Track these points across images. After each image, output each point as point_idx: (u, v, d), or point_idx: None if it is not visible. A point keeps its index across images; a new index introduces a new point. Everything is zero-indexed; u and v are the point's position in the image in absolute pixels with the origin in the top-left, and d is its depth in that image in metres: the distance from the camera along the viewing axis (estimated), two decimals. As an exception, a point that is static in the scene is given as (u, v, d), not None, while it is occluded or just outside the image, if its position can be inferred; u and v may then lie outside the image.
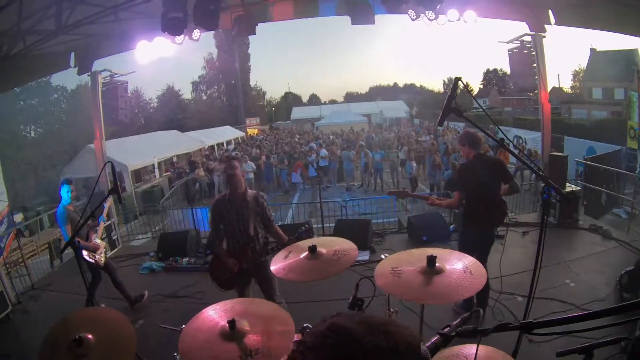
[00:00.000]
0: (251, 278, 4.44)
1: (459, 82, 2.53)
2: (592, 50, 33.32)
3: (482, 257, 4.47)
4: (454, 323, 1.74)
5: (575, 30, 8.61)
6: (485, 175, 4.38)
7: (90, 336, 2.16)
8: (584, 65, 36.36)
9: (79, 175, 18.24)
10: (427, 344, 1.60)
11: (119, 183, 3.08)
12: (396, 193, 4.95)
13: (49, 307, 6.13)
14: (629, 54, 25.00)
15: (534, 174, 6.43)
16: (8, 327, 5.72)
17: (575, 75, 42.34)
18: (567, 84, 44.28)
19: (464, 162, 4.87)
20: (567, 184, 7.94)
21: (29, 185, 23.96)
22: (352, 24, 7.93)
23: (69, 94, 31.08)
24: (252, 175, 16.81)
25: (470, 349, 2.14)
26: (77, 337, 2.11)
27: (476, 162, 4.52)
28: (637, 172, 12.23)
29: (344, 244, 2.96)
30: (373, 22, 7.96)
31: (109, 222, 8.27)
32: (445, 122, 25.58)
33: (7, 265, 6.88)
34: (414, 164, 15.35)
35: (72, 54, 8.43)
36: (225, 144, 30.61)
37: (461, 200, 4.51)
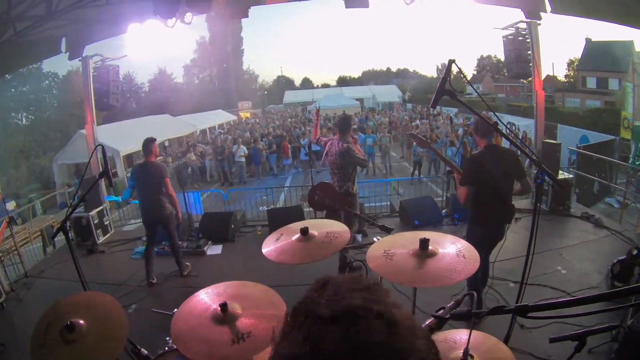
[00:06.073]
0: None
1: (453, 65, 2.50)
2: (588, 40, 33.33)
3: (488, 251, 4.35)
4: (448, 305, 1.74)
5: (571, 20, 8.59)
6: (496, 169, 3.92)
7: (82, 322, 2.15)
8: (578, 55, 36.38)
9: (72, 161, 18.17)
10: (421, 327, 1.59)
11: (109, 166, 3.05)
12: (418, 138, 4.59)
13: (42, 295, 6.09)
14: (624, 45, 24.99)
15: (527, 160, 6.35)
16: (2, 316, 5.68)
17: (570, 64, 42.37)
18: (561, 73, 44.37)
19: (473, 154, 4.43)
20: (560, 172, 7.95)
21: (21, 172, 23.79)
22: (346, 7, 7.81)
23: (60, 80, 30.72)
24: (243, 159, 16.89)
25: (459, 334, 2.14)
26: (68, 322, 2.09)
27: (487, 155, 4.07)
28: (630, 162, 12.35)
29: (336, 227, 2.95)
30: (367, 6, 7.86)
31: (101, 207, 8.25)
32: (438, 107, 25.72)
33: (0, 254, 6.84)
34: (420, 148, 15.46)
35: (63, 40, 8.33)
36: (217, 128, 30.45)
37: (467, 196, 4.05)
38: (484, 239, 4.16)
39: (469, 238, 4.25)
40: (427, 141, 4.62)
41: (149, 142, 5.82)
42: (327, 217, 5.76)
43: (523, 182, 4.07)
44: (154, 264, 6.16)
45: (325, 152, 5.76)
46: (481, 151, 4.17)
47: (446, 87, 2.37)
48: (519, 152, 3.28)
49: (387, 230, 4.70)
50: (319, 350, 0.62)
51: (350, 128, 5.75)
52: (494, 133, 4.09)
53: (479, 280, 4.45)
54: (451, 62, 2.53)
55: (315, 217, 6.29)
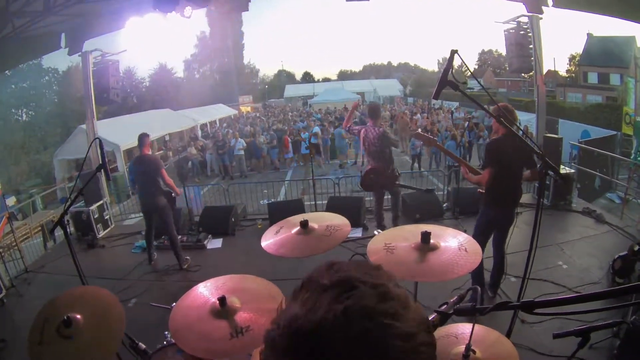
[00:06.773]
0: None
1: (455, 56, 2.46)
2: (589, 35, 33.13)
3: (502, 237, 4.58)
4: (451, 301, 1.71)
5: (573, 15, 8.53)
6: (512, 155, 4.17)
7: (79, 316, 2.13)
8: (580, 50, 36.10)
9: (72, 156, 18.06)
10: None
11: (107, 160, 3.03)
12: (423, 137, 4.64)
13: (43, 290, 6.09)
14: (626, 41, 24.87)
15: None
16: (3, 312, 5.68)
17: (571, 59, 42.02)
18: (562, 68, 43.96)
19: (493, 138, 4.63)
20: (561, 167, 7.91)
21: (22, 168, 23.75)
22: (347, 0, 7.79)
23: (60, 76, 30.59)
24: (242, 152, 16.92)
25: (461, 328, 2.12)
26: (65, 317, 2.08)
27: (505, 141, 4.23)
28: (631, 157, 12.29)
29: (336, 220, 2.92)
30: (368, -1, 7.84)
31: (101, 202, 8.24)
32: (439, 101, 25.59)
33: (1, 250, 6.84)
34: (418, 141, 15.41)
35: (63, 35, 8.31)
36: (218, 122, 30.41)
37: (492, 177, 4.25)
38: (495, 220, 4.49)
39: (480, 221, 4.59)
40: (433, 139, 4.70)
41: (142, 137, 6.31)
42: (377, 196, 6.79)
43: (533, 171, 4.36)
44: (152, 243, 6.62)
45: (361, 139, 6.14)
46: (501, 137, 4.36)
47: (448, 78, 2.33)
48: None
49: (430, 192, 5.06)
50: (312, 311, 0.66)
51: (381, 114, 6.21)
52: (514, 123, 4.32)
53: (482, 273, 4.53)
54: (453, 52, 2.48)
55: (316, 211, 6.29)
